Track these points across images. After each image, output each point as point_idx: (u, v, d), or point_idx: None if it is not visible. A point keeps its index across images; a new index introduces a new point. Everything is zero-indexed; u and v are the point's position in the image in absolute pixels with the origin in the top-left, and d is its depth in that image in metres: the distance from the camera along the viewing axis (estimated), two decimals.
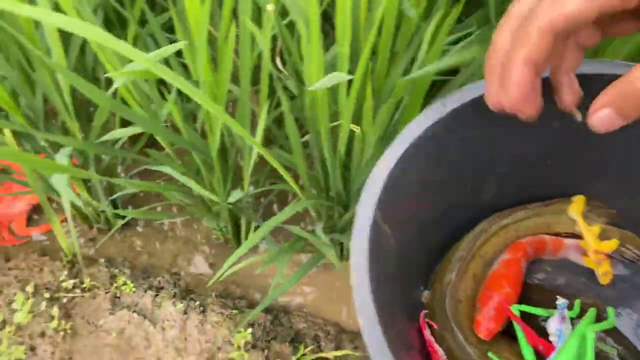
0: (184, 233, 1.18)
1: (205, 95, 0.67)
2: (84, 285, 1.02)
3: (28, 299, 0.96)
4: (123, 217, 1.17)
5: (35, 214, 1.21)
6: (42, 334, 0.93)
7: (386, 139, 0.78)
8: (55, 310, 0.94)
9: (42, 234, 1.17)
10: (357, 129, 0.73)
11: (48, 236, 1.17)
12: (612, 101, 0.29)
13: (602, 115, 0.29)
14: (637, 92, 0.28)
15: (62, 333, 0.93)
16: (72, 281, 1.01)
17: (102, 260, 1.11)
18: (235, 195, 0.85)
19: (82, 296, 1.00)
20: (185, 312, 0.97)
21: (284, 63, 0.74)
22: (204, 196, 0.96)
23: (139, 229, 1.18)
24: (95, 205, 1.10)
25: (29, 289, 0.97)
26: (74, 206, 1.12)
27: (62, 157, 0.71)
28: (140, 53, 0.48)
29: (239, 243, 1.14)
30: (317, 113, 0.70)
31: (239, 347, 0.90)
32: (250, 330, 0.91)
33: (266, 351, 0.91)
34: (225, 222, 1.04)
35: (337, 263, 0.81)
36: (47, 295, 0.98)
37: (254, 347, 0.91)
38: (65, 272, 1.04)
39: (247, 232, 1.11)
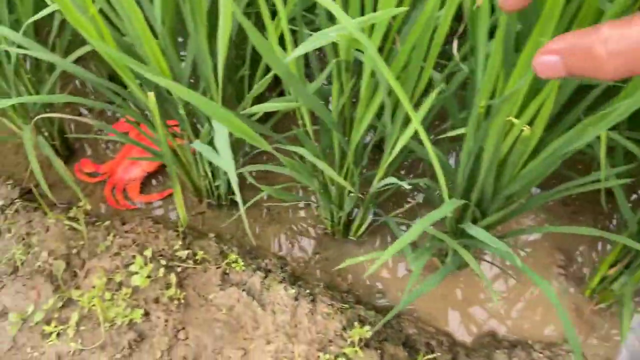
0: (291, 218, 1.16)
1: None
2: (197, 257, 1.02)
3: (146, 264, 0.97)
4: (233, 194, 1.17)
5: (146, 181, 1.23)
6: (156, 300, 0.94)
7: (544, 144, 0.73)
8: (172, 278, 0.95)
9: (146, 203, 1.19)
10: (527, 129, 0.68)
11: (161, 204, 1.19)
12: (564, 51, 0.28)
13: (548, 61, 0.29)
14: (590, 55, 0.27)
15: (176, 302, 0.93)
16: (185, 252, 1.01)
17: (211, 235, 1.11)
18: (375, 185, 0.82)
19: (194, 268, 1.00)
20: (296, 299, 0.95)
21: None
22: (335, 182, 0.93)
23: (247, 208, 1.18)
24: (211, 179, 1.10)
25: (147, 253, 0.98)
26: (190, 179, 1.13)
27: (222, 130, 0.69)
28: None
29: (346, 235, 1.11)
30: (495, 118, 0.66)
31: (352, 343, 0.87)
32: (367, 327, 0.88)
33: (379, 351, 0.87)
34: (343, 212, 1.01)
35: (478, 271, 0.76)
36: (163, 262, 0.98)
37: (367, 345, 0.88)
38: (179, 242, 1.04)
39: (360, 226, 1.07)
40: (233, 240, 1.12)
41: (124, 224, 1.09)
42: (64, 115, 0.95)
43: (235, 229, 1.15)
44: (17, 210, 1.07)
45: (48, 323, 0.90)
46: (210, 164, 1.06)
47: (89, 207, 1.08)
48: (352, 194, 0.89)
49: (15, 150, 1.28)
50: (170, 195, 1.20)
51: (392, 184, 0.81)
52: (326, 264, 1.09)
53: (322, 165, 0.83)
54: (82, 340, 0.89)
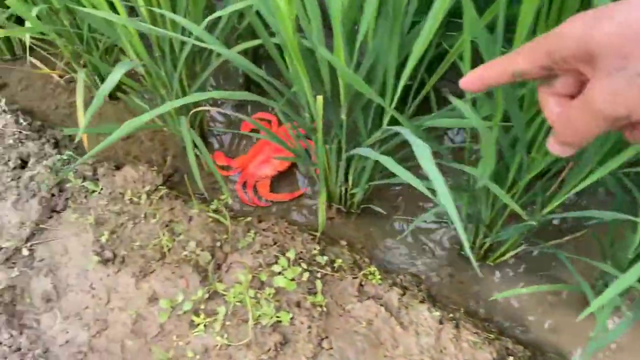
0: (424, 235, 1.13)
1: None
2: (335, 265, 1.00)
3: (289, 265, 0.96)
4: (366, 203, 1.15)
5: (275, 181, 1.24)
6: (298, 304, 0.94)
7: None
8: (318, 285, 0.94)
9: (276, 201, 1.19)
10: None
11: (291, 205, 1.19)
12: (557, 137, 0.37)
13: (555, 150, 0.37)
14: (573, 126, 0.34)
15: (318, 309, 0.93)
16: (323, 258, 1.01)
17: (343, 242, 1.10)
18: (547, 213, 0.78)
19: (332, 275, 0.99)
20: (440, 322, 0.92)
21: None
22: (490, 204, 0.90)
23: (376, 219, 1.16)
24: (350, 186, 1.09)
25: (290, 255, 0.98)
26: (326, 184, 1.12)
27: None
28: None
29: (484, 259, 1.07)
30: None
31: None
32: None
33: None
34: (492, 236, 0.97)
35: None
36: (304, 266, 0.98)
37: None
38: (316, 247, 1.03)
39: (505, 252, 1.03)
40: (364, 250, 1.10)
41: (260, 221, 1.10)
42: (214, 109, 0.96)
43: (365, 238, 1.13)
44: (161, 197, 1.10)
45: (197, 314, 0.91)
46: (352, 171, 1.05)
47: (230, 200, 1.09)
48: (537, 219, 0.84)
49: (150, 137, 1.31)
50: (300, 196, 1.20)
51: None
52: (461, 287, 1.05)
53: (496, 189, 0.80)
54: (228, 336, 0.89)
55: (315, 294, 0.94)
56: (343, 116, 0.92)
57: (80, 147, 1.27)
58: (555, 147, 0.37)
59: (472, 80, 0.39)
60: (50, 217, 1.08)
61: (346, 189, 1.10)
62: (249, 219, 1.09)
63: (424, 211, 1.13)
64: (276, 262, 0.98)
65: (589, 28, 0.31)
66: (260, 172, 1.21)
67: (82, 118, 1.09)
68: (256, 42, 0.99)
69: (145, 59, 1.00)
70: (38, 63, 1.42)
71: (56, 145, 1.22)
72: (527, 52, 0.35)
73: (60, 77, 1.40)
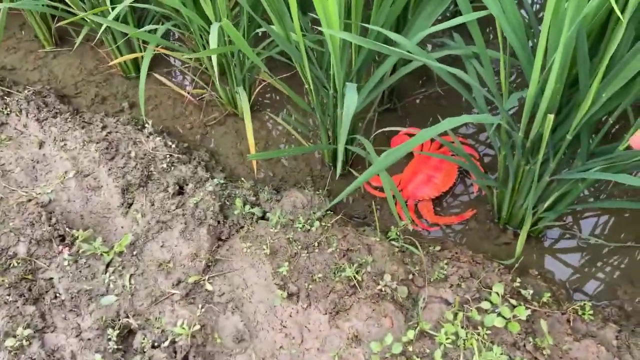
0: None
1: None
2: (542, 299, 0.92)
3: (502, 302, 0.88)
4: (550, 227, 1.06)
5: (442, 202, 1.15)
6: (515, 345, 0.85)
7: None
8: (542, 325, 0.85)
9: (445, 225, 1.11)
10: None
11: (461, 229, 1.11)
12: None
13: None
14: None
15: (544, 352, 0.84)
16: (529, 291, 0.92)
17: (533, 271, 1.01)
18: None
19: (537, 310, 0.90)
20: None
21: None
22: None
23: (561, 244, 1.07)
24: (537, 209, 1.00)
25: (498, 289, 0.90)
26: (510, 204, 1.03)
27: None
28: None
29: None
30: None
31: None
32: None
33: None
34: None
35: None
36: (513, 301, 0.89)
37: None
38: (511, 277, 0.95)
39: None
40: (559, 280, 1.01)
41: (442, 249, 1.01)
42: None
43: (553, 266, 1.04)
44: (332, 224, 1.02)
45: (408, 357, 0.84)
46: (551, 194, 0.96)
47: (410, 227, 1.01)
48: None
49: (294, 157, 1.24)
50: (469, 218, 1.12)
51: None
52: None
53: None
54: None
55: (533, 334, 0.85)
56: (569, 136, 0.83)
57: (229, 169, 1.21)
58: None
59: None
60: (219, 247, 1.01)
61: (534, 212, 1.02)
62: (433, 247, 1.00)
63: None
64: (480, 297, 0.89)
65: None
66: (421, 194, 1.13)
67: (252, 141, 1.02)
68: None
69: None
70: (164, 79, 1.37)
71: (206, 168, 1.16)
72: None
73: (191, 94, 1.35)
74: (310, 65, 0.96)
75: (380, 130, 1.21)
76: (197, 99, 1.35)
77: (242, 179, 1.16)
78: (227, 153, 1.25)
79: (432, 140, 1.23)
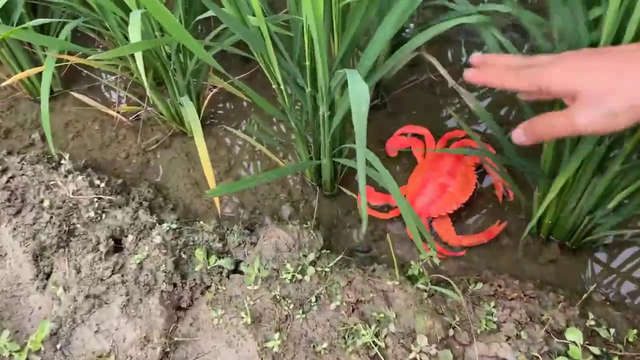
0: None
1: None
2: (627, 338, 0.68)
3: (575, 358, 0.63)
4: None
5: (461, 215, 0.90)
6: None
7: None
8: None
9: (468, 247, 0.85)
10: None
11: (488, 248, 0.86)
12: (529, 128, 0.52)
13: (518, 136, 0.53)
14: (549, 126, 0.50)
15: None
16: (610, 330, 0.68)
17: (599, 296, 0.77)
18: None
19: (625, 355, 0.66)
20: None
21: None
22: None
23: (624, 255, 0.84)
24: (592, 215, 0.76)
25: (574, 336, 0.65)
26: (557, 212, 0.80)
27: None
28: None
29: None
30: None
31: None
32: None
33: None
34: None
35: None
36: (594, 349, 0.65)
37: None
38: (577, 312, 0.70)
39: None
40: (628, 305, 0.78)
41: (478, 281, 0.76)
42: None
43: (623, 286, 0.80)
44: (331, 267, 0.75)
45: None
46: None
47: (437, 261, 0.75)
48: None
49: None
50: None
51: None
52: None
53: None
54: None
55: None
56: None
57: (183, 205, 0.92)
58: (519, 134, 0.53)
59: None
60: (179, 321, 0.73)
61: (583, 219, 0.78)
62: (470, 283, 0.75)
63: None
64: (552, 351, 0.64)
65: (575, 78, 0.47)
66: (435, 209, 0.88)
67: (209, 170, 0.74)
68: None
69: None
70: (86, 98, 1.06)
71: (151, 210, 0.87)
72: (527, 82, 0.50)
73: (122, 114, 1.04)
74: (278, 56, 0.69)
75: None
76: (131, 118, 1.05)
77: (201, 220, 0.87)
78: (178, 184, 0.96)
79: (436, 139, 0.98)
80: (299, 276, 0.74)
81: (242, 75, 1.07)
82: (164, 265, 0.74)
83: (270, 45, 0.66)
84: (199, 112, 0.98)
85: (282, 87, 0.74)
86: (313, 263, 0.75)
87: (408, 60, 1.10)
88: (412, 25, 1.13)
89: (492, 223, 0.87)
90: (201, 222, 0.84)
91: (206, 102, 0.98)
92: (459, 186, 0.89)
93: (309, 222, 0.82)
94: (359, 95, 0.45)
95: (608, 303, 0.76)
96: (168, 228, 0.80)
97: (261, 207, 0.92)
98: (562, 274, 0.82)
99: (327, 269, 0.75)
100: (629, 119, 0.45)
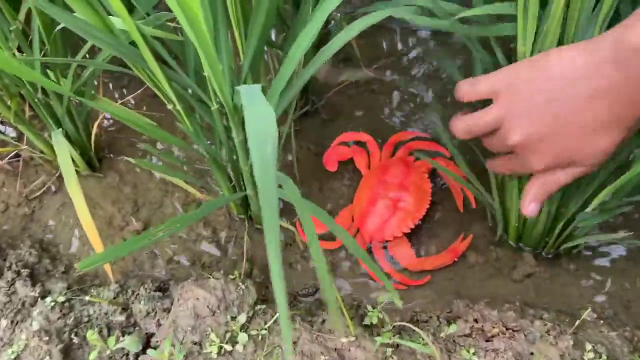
0: None
1: None
2: None
3: None
4: None
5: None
6: None
7: None
8: None
9: (436, 269, 0.72)
10: None
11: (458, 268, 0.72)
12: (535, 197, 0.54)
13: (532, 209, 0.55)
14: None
15: None
16: None
17: (591, 314, 0.65)
18: None
19: None
20: None
21: None
22: None
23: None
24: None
25: None
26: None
27: None
28: None
29: None
30: None
31: None
32: None
33: None
34: None
35: None
36: None
37: None
38: (567, 341, 0.58)
39: None
40: (628, 323, 0.66)
41: (450, 320, 0.62)
42: None
43: (613, 299, 0.69)
44: (269, 328, 0.59)
45: None
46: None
47: (398, 303, 0.60)
48: None
49: None
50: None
51: None
52: None
53: None
54: None
55: None
56: None
57: (75, 270, 0.73)
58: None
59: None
60: None
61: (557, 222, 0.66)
62: (440, 324, 0.61)
63: None
64: None
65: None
66: (389, 231, 0.74)
67: (94, 233, 0.56)
68: None
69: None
70: None
71: (33, 279, 0.68)
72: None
73: None
74: (163, 68, 0.52)
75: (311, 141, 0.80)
76: (6, 160, 0.84)
77: (101, 284, 0.69)
78: (70, 239, 0.77)
79: (381, 145, 0.84)
80: (228, 347, 0.57)
81: (132, 95, 0.89)
82: (47, 358, 0.56)
83: (150, 54, 0.49)
84: (90, 143, 0.79)
85: (177, 106, 0.57)
86: (245, 327, 0.59)
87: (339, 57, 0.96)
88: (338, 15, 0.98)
89: (454, 238, 0.74)
90: (98, 289, 0.65)
91: (95, 130, 0.79)
92: (413, 199, 0.75)
93: (235, 272, 0.65)
94: (259, 128, 0.29)
95: (601, 321, 0.64)
96: (52, 302, 0.61)
97: (179, 253, 0.75)
98: (542, 289, 0.70)
99: (264, 331, 0.59)
100: None
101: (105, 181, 0.83)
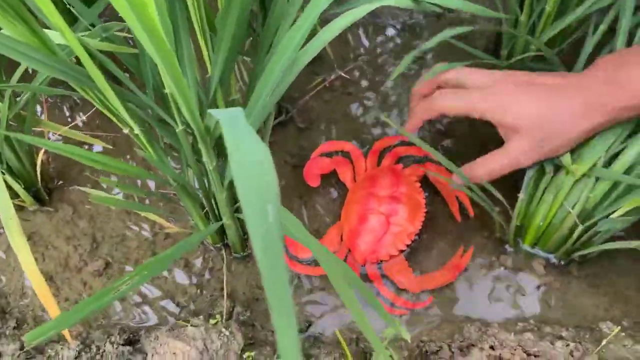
0: None
1: None
2: None
3: None
4: None
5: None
6: None
7: None
8: None
9: (435, 289, 0.65)
10: None
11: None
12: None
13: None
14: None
15: None
16: None
17: (619, 334, 0.60)
18: None
19: None
20: None
21: None
22: None
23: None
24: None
25: None
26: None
27: None
28: None
29: None
30: None
31: None
32: None
33: None
34: None
35: None
36: None
37: None
38: None
39: None
40: None
41: (464, 350, 0.56)
42: None
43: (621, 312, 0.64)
44: None
45: None
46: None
47: (407, 336, 0.53)
48: None
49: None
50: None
51: None
52: None
53: None
54: None
55: None
56: None
57: (30, 324, 0.62)
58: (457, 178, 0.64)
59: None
60: None
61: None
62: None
63: None
64: None
65: (516, 117, 0.53)
66: (384, 250, 0.67)
67: (44, 288, 0.47)
68: None
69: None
70: None
71: None
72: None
73: None
74: (115, 87, 0.43)
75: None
76: None
77: (60, 338, 0.59)
78: (20, 286, 0.66)
79: (365, 153, 0.77)
80: None
81: (88, 113, 0.79)
82: None
83: (98, 72, 0.40)
84: (34, 175, 0.69)
85: (135, 130, 0.48)
86: None
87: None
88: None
89: (454, 250, 0.68)
90: (56, 347, 0.56)
91: (41, 157, 0.68)
92: (407, 212, 0.68)
93: (217, 315, 0.57)
94: (253, 182, 0.20)
95: (622, 334, 0.59)
96: None
97: (149, 293, 0.66)
98: (555, 302, 0.64)
99: None
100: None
101: (57, 215, 0.73)
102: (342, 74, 0.87)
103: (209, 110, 0.31)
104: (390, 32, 0.90)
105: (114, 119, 0.49)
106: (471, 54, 0.73)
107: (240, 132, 0.23)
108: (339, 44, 0.90)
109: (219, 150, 0.51)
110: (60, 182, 0.75)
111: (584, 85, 0.53)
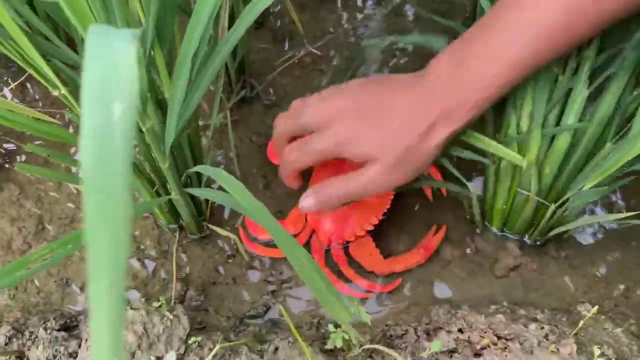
0: None
1: None
2: None
3: None
4: None
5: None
6: None
7: None
8: None
9: (405, 270, 0.61)
10: None
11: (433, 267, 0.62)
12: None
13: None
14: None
15: None
16: None
17: (601, 318, 0.56)
18: None
19: None
20: None
21: None
22: None
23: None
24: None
25: None
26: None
27: None
28: None
29: None
30: None
31: None
32: None
33: None
34: None
35: None
36: None
37: None
38: None
39: None
40: None
41: (430, 333, 0.51)
42: None
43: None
44: None
45: None
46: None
47: (368, 318, 0.48)
48: None
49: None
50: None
51: None
52: None
53: None
54: None
55: None
56: None
57: None
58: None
59: None
60: None
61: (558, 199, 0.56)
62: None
63: None
64: None
65: (370, 149, 0.51)
66: (349, 231, 0.62)
67: None
68: None
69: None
70: None
71: None
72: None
73: None
74: (35, 38, 0.39)
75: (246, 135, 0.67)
76: None
77: None
78: None
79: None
80: None
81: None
82: None
83: (10, 20, 0.35)
84: None
85: (63, 91, 0.43)
86: None
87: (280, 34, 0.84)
88: None
89: (425, 231, 0.64)
90: None
91: None
92: (379, 196, 0.63)
93: (161, 299, 0.52)
94: (105, 60, 0.16)
95: (602, 317, 0.55)
96: None
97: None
98: (531, 283, 0.60)
99: None
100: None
101: (1, 196, 0.68)
102: (313, 50, 0.82)
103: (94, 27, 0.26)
104: (366, 6, 0.86)
105: (41, 79, 0.44)
106: (453, 28, 0.69)
107: (110, 38, 0.19)
108: (311, 19, 0.85)
109: (163, 110, 0.46)
110: (6, 161, 0.70)
111: (429, 96, 0.49)
